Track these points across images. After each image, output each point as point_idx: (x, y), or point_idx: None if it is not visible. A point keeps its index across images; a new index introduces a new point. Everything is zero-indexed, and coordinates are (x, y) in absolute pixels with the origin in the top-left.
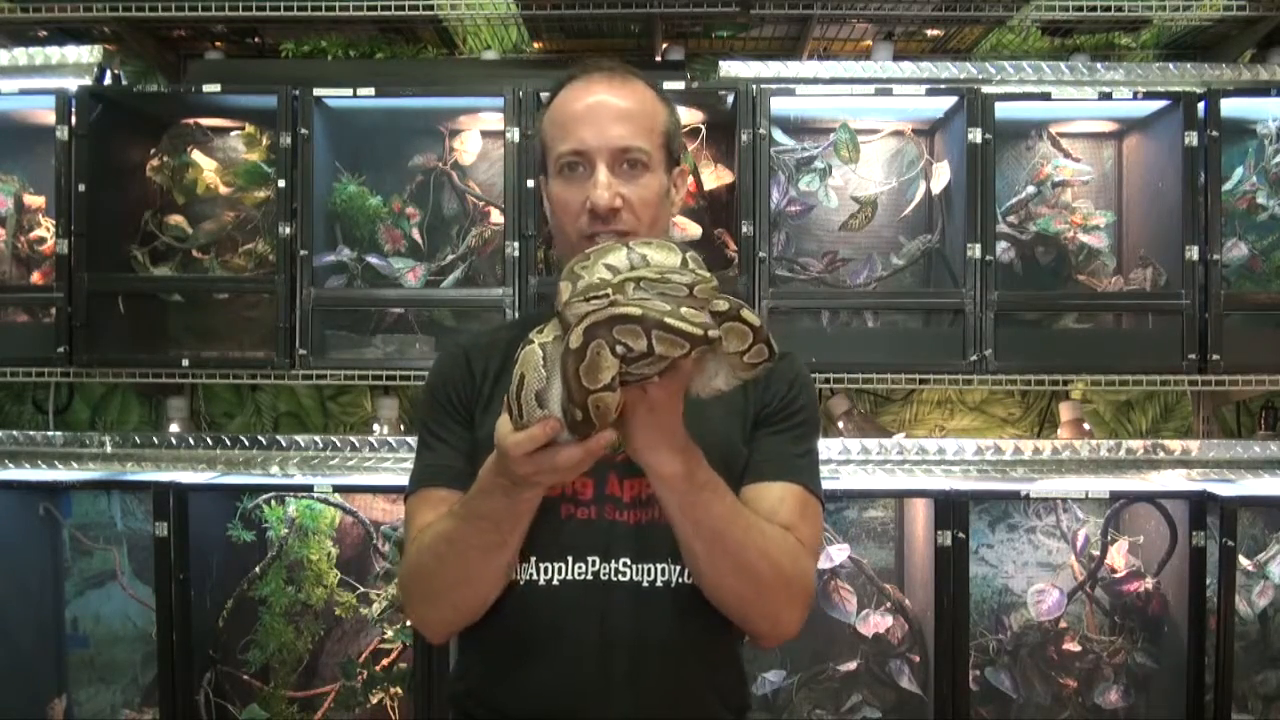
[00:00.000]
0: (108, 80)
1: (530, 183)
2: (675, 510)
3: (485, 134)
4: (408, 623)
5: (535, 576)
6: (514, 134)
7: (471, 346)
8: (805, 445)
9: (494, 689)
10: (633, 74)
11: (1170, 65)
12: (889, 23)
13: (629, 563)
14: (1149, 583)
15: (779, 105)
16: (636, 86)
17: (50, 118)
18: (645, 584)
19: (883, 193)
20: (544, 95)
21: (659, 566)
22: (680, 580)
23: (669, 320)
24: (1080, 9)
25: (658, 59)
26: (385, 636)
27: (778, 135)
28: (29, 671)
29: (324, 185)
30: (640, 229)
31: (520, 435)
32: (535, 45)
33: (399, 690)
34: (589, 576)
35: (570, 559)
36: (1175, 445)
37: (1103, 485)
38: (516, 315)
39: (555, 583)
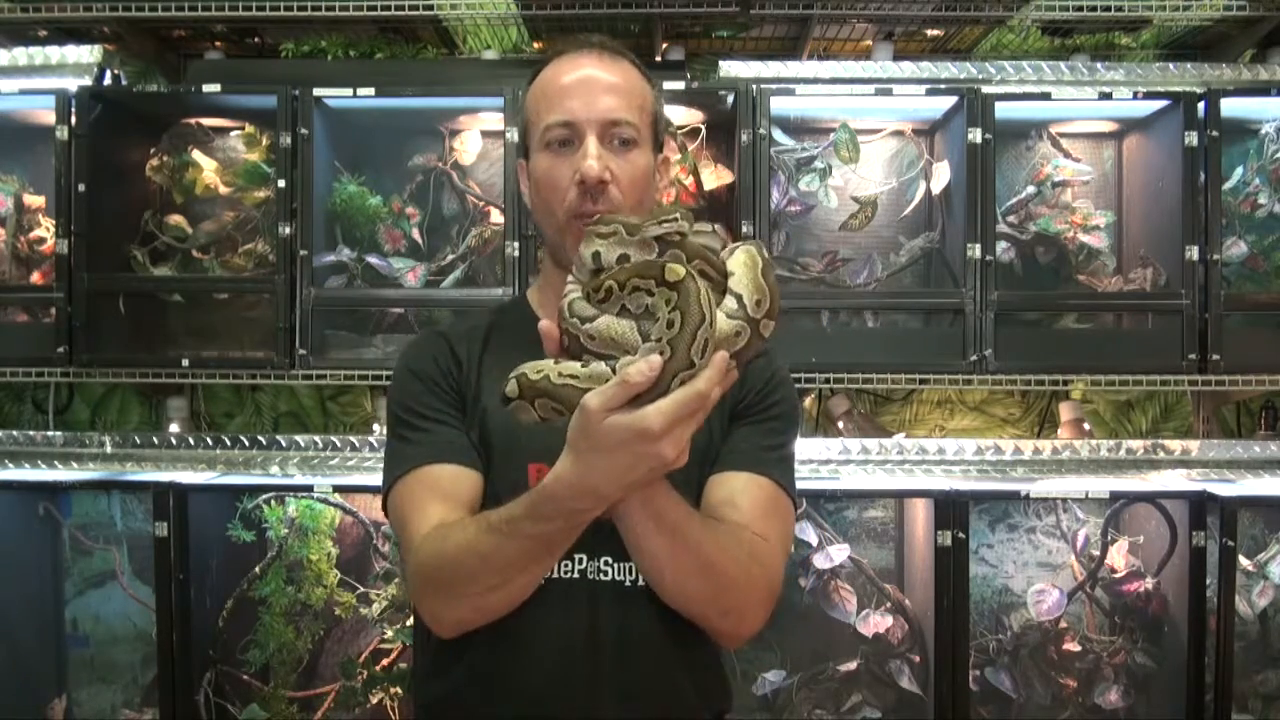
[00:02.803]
0: (108, 80)
1: None
2: (636, 502)
3: (485, 134)
4: (408, 622)
5: None
6: (514, 134)
7: (451, 334)
8: (778, 440)
9: (477, 690)
10: (620, 52)
11: (1170, 65)
12: (889, 23)
13: (610, 561)
14: (1149, 583)
15: (779, 105)
16: (624, 64)
17: (50, 118)
18: (628, 583)
19: (883, 193)
20: None
21: None
22: None
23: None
24: (1080, 9)
25: (658, 59)
26: (385, 636)
27: (778, 135)
28: (29, 671)
29: (324, 185)
30: (626, 209)
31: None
32: (535, 45)
33: (399, 690)
34: (574, 575)
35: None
36: (1175, 445)
37: (1103, 485)
38: None
39: (540, 580)
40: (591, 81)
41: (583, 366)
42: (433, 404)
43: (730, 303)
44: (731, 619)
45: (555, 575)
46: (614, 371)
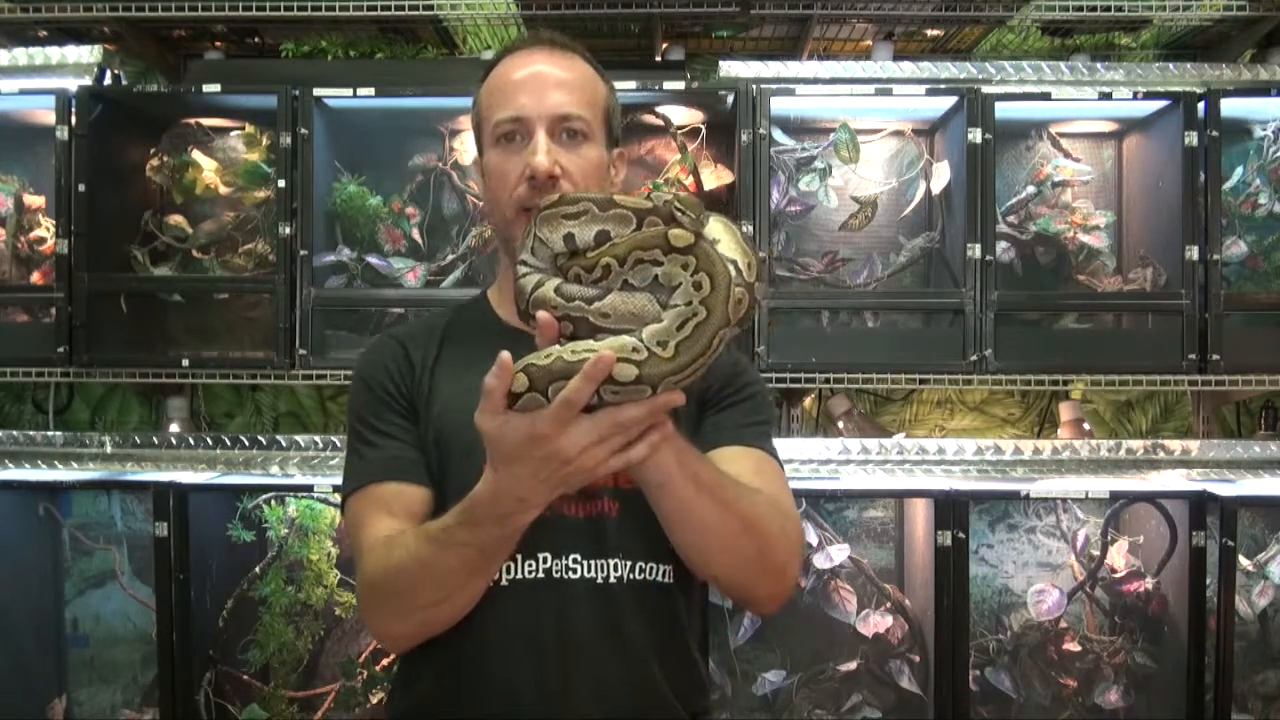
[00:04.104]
0: (108, 80)
1: None
2: (674, 466)
3: None
4: None
5: None
6: None
7: (407, 336)
8: (758, 416)
9: (446, 696)
10: (572, 48)
11: (1170, 65)
12: (889, 23)
13: (579, 559)
14: (1149, 583)
15: (779, 105)
16: (575, 60)
17: (50, 118)
18: (599, 580)
19: (883, 193)
20: None
21: (610, 562)
22: (631, 576)
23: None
24: (1080, 9)
25: (658, 59)
26: None
27: (778, 135)
28: (29, 671)
29: (324, 185)
30: None
31: (566, 394)
32: None
33: None
34: (540, 574)
35: (520, 556)
36: (1175, 445)
37: (1103, 485)
38: None
39: (504, 582)
40: (541, 77)
41: (597, 342)
42: (383, 415)
43: (730, 270)
44: (774, 579)
45: (519, 575)
46: (640, 341)
